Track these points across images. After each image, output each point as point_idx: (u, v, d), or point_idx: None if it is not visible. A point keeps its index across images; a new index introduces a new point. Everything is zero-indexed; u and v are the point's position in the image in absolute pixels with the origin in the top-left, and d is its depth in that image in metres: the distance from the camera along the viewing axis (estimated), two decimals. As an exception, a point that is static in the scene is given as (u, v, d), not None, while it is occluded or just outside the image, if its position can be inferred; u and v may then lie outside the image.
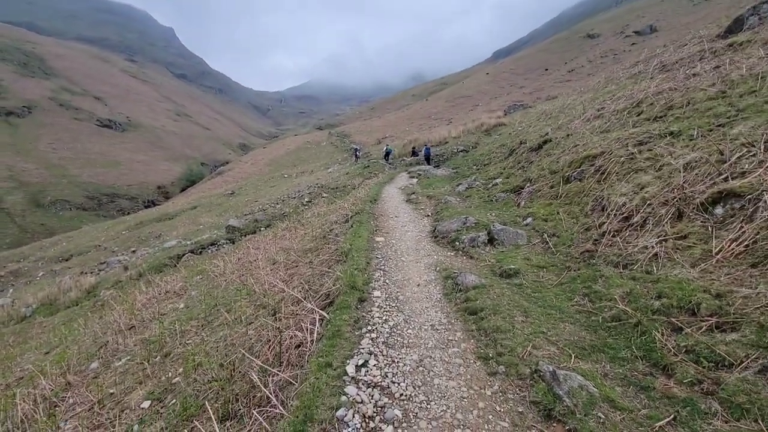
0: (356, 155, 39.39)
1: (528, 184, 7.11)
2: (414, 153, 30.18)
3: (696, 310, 2.91)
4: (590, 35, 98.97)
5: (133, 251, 26.70)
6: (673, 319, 2.93)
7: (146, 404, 4.34)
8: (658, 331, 2.89)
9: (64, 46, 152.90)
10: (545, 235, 5.04)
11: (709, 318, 2.80)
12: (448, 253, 5.33)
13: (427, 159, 27.50)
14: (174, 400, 4.05)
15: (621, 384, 2.63)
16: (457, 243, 5.51)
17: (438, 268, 4.76)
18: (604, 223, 4.41)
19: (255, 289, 6.37)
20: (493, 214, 6.49)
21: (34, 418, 4.65)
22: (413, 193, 10.27)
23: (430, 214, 7.82)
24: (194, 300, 7.57)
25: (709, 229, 3.65)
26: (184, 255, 20.63)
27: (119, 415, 4.22)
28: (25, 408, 4.84)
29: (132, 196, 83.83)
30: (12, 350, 10.41)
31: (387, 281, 4.50)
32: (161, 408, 4.08)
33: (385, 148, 32.89)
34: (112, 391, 4.93)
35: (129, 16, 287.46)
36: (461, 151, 27.88)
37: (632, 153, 5.07)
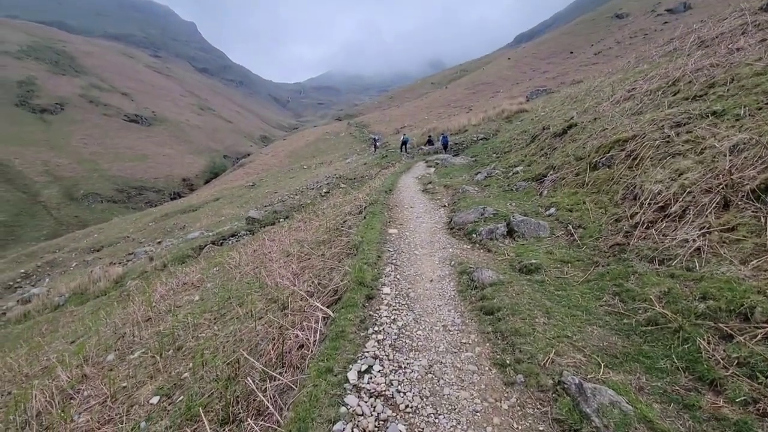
0: (375, 145, 39.13)
1: (551, 172, 6.64)
2: (430, 142, 29.43)
3: (749, 315, 2.51)
4: (618, 15, 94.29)
5: (159, 242, 27.51)
6: (721, 325, 2.54)
7: (155, 400, 4.30)
8: (704, 339, 2.51)
9: (92, 44, 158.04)
10: (570, 226, 4.63)
11: (766, 325, 2.41)
12: (465, 246, 5.00)
13: (445, 147, 26.84)
14: (181, 397, 3.98)
15: (660, 400, 2.28)
16: (474, 235, 5.16)
17: (453, 263, 4.46)
18: (637, 213, 3.97)
19: (267, 282, 6.26)
20: (513, 204, 6.09)
21: (48, 411, 4.71)
22: (430, 182, 9.91)
23: (446, 204, 7.48)
24: (209, 292, 7.58)
25: (762, 219, 3.19)
26: (206, 246, 21.05)
27: (128, 411, 4.20)
28: (41, 400, 4.92)
29: (159, 188, 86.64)
30: (43, 339, 10.84)
31: (398, 276, 4.24)
32: (169, 405, 4.02)
33: (402, 138, 32.41)
34: (124, 384, 4.93)
35: (152, 12, 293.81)
36: (481, 138, 27.07)
37: (669, 136, 4.56)
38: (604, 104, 7.90)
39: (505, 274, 3.85)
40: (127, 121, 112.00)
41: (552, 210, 5.26)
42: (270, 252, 8.56)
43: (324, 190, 26.98)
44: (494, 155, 11.87)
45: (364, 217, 6.44)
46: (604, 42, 78.40)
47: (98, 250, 33.80)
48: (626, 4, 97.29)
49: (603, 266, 3.71)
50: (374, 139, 40.98)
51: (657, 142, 4.54)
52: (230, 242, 21.38)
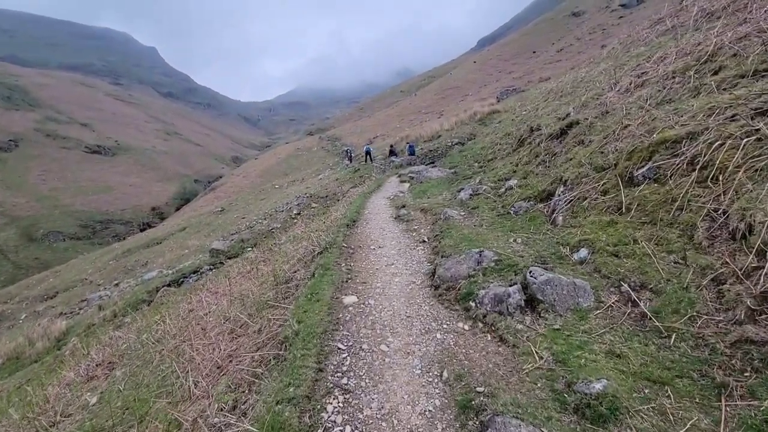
0: (350, 157, 37.94)
1: (560, 188, 4.92)
2: (392, 152, 27.82)
3: None
4: (575, 13, 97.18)
5: (117, 284, 24.76)
6: None
7: None
8: None
9: (47, 76, 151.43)
10: (626, 286, 2.88)
11: None
12: (460, 327, 3.13)
13: (411, 156, 25.38)
14: None
15: None
16: (473, 304, 3.28)
17: (446, 374, 2.57)
18: (757, 267, 2.26)
19: (182, 381, 4.32)
20: (519, 241, 4.28)
21: None
22: (404, 205, 8.11)
23: (426, 239, 5.65)
24: (113, 389, 5.47)
25: None
26: (162, 288, 18.69)
27: None
28: None
29: (126, 220, 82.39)
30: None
31: (348, 420, 2.34)
32: None
33: (364, 149, 31.67)
34: None
35: (110, 39, 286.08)
36: (456, 143, 25.68)
37: (757, 130, 2.92)
38: (609, 95, 6.31)
39: (549, 420, 2.05)
40: (89, 153, 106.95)
41: (583, 252, 3.48)
42: (206, 314, 6.58)
43: (295, 212, 24.98)
44: (476, 164, 10.14)
45: (313, 275, 4.52)
46: (564, 39, 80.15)
47: (52, 297, 30.60)
48: (581, 2, 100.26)
49: (741, 397, 1.88)
50: (347, 151, 39.50)
51: (741, 141, 2.89)
52: (191, 281, 19.10)
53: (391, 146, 28.63)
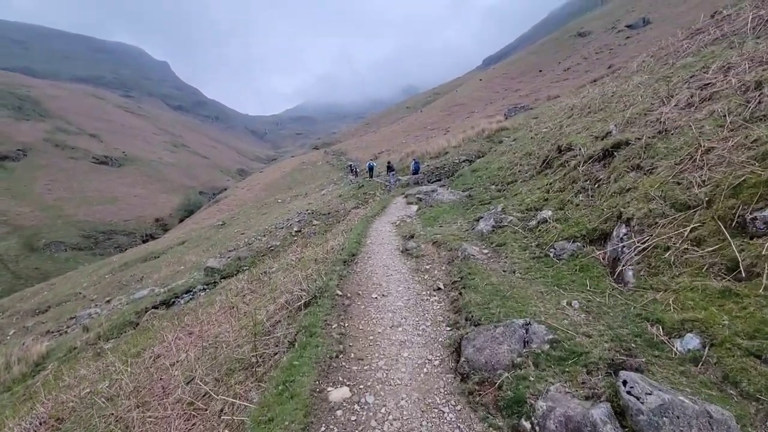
0: (354, 172, 37.32)
1: (621, 227, 3.75)
2: (390, 168, 26.10)
3: None
4: (581, 33, 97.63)
5: (108, 300, 23.64)
6: None
7: None
8: None
9: (58, 87, 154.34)
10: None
11: None
12: None
13: (415, 174, 24.01)
14: None
15: None
16: (528, 425, 2.08)
17: None
18: None
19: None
20: (576, 305, 3.07)
21: None
22: (412, 235, 6.93)
23: (442, 285, 4.46)
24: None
25: None
26: (150, 310, 17.60)
27: None
28: None
29: (129, 231, 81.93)
30: None
31: None
32: None
33: (367, 164, 30.62)
34: None
35: (123, 53, 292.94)
36: (464, 161, 24.62)
37: None
38: (664, 110, 5.19)
39: None
40: (96, 163, 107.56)
41: (692, 341, 2.22)
42: (172, 365, 5.39)
43: (295, 229, 23.90)
44: (494, 187, 8.94)
45: (293, 342, 3.34)
46: (571, 59, 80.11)
47: (44, 312, 29.52)
48: (587, 24, 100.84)
49: None
50: (351, 166, 38.78)
51: None
52: (182, 301, 17.98)
53: (389, 163, 26.97)
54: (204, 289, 18.40)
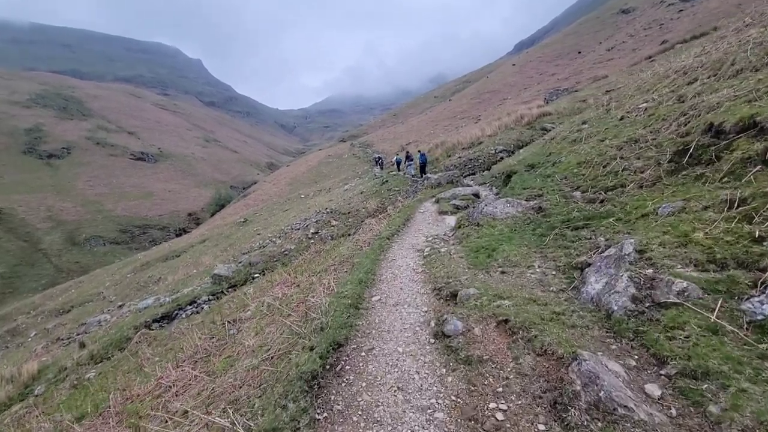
0: (380, 164, 35.39)
1: None
2: (408, 158, 24.28)
3: None
4: (624, 10, 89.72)
5: (120, 306, 22.94)
6: None
7: None
8: None
9: (100, 88, 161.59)
10: None
11: None
12: None
13: (423, 169, 21.75)
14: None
15: None
16: None
17: None
18: None
19: None
20: None
21: None
22: (454, 294, 4.23)
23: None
24: None
25: None
26: (148, 325, 16.41)
27: None
28: None
29: (163, 225, 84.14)
30: None
31: None
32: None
33: (395, 159, 29.25)
34: None
35: (161, 53, 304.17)
36: (501, 151, 21.86)
37: None
38: None
39: None
40: (134, 160, 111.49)
41: None
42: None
43: (312, 230, 22.12)
44: (579, 194, 5.96)
45: None
46: (614, 38, 73.57)
47: (67, 312, 29.65)
48: (631, 0, 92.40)
49: None
50: (378, 158, 36.59)
51: None
52: (185, 314, 16.60)
53: (407, 153, 25.86)
54: (209, 300, 16.97)
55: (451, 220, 7.93)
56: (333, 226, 21.25)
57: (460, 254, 5.50)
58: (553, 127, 22.22)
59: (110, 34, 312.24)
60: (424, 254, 5.88)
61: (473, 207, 7.63)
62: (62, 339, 20.12)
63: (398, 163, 27.09)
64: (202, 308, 15.81)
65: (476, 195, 8.98)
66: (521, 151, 15.70)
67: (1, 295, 54.89)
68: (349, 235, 10.11)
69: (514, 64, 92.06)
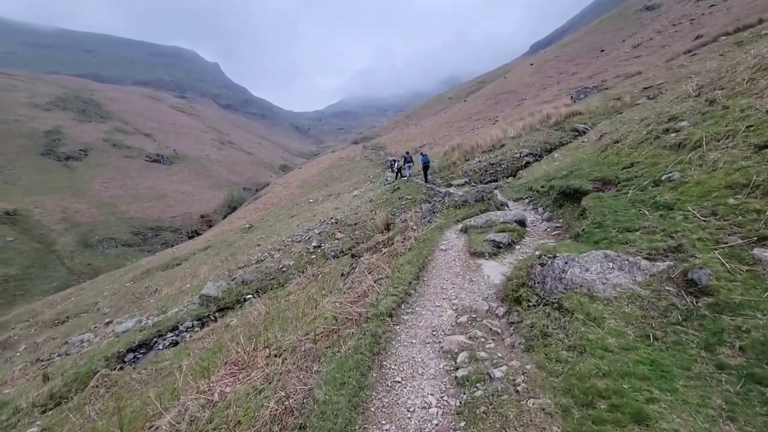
0: (393, 168, 33.08)
1: None
2: (407, 160, 23.41)
3: None
4: (648, 7, 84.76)
5: (108, 323, 21.16)
6: None
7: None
8: None
9: (119, 91, 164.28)
10: None
11: None
12: None
13: (425, 172, 20.57)
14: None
15: None
16: None
17: None
18: None
19: None
20: None
21: None
22: None
23: None
24: None
25: None
26: (125, 353, 14.61)
27: None
28: None
29: (176, 227, 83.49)
30: None
31: None
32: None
33: (395, 165, 27.57)
34: None
35: (179, 57, 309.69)
36: (527, 155, 19.26)
37: None
38: None
39: None
40: (149, 161, 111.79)
41: None
42: None
43: (314, 243, 19.97)
44: (759, 249, 3.24)
45: None
46: (639, 35, 69.42)
47: (62, 323, 28.13)
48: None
49: None
50: (392, 161, 34.15)
51: None
52: (162, 345, 14.65)
53: (406, 153, 24.17)
54: (193, 326, 14.95)
55: (491, 271, 5.16)
56: (338, 238, 19.08)
57: (538, 394, 2.80)
58: (587, 129, 19.57)
59: (131, 39, 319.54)
60: (458, 376, 3.18)
61: (541, 262, 4.41)
62: (42, 360, 18.49)
63: (399, 170, 25.03)
64: (184, 338, 13.82)
65: (521, 223, 6.41)
66: (555, 155, 13.18)
67: (11, 297, 54.38)
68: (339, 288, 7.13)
69: (532, 64, 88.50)
